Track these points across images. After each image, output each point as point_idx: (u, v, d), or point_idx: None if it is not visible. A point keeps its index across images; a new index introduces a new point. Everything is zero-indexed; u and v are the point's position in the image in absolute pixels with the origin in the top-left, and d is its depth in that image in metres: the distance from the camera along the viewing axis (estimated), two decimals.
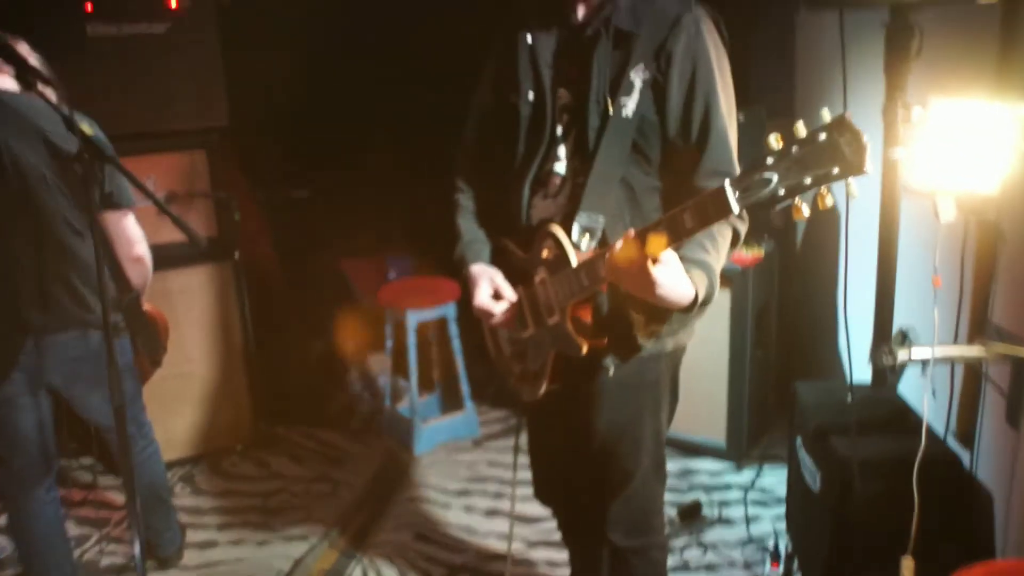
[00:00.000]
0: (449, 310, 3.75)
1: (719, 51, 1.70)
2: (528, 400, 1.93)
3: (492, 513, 3.23)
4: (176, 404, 3.70)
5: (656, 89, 1.67)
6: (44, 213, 2.29)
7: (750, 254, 3.39)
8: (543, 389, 1.86)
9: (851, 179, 1.21)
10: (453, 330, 3.76)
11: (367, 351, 4.38)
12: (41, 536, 2.48)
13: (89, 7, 3.28)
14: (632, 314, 1.72)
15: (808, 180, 1.22)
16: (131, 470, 1.97)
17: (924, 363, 2.11)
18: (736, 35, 3.95)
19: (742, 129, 3.29)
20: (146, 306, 2.64)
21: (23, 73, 1.97)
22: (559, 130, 1.77)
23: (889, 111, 1.96)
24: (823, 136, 1.20)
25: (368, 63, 4.16)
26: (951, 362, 2.18)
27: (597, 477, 1.95)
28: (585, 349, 1.72)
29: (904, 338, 2.53)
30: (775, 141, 1.26)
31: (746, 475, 3.38)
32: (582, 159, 1.73)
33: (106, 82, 3.36)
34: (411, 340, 3.70)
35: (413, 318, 3.68)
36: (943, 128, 1.95)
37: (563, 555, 2.55)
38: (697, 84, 1.65)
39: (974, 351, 2.04)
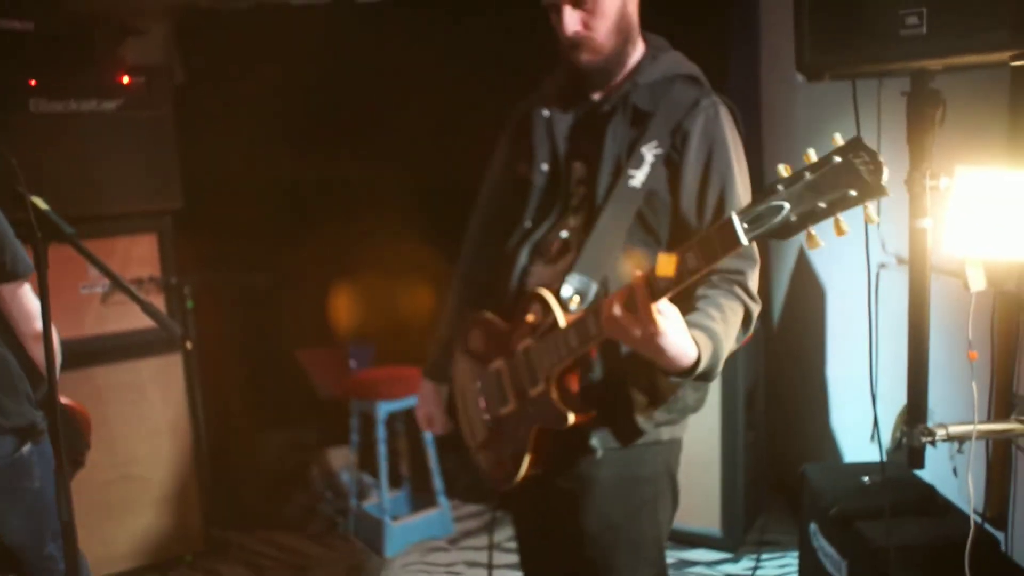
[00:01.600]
0: None
1: (735, 138, 1.68)
2: (503, 489, 1.77)
3: None
4: (118, 510, 3.35)
5: (670, 166, 1.64)
6: None
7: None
8: (521, 473, 1.69)
9: (869, 203, 1.16)
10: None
11: (327, 446, 4.09)
12: None
13: (32, 82, 3.06)
14: (630, 391, 1.63)
15: (823, 205, 1.15)
16: None
17: (960, 442, 1.99)
18: (708, 48, 3.85)
19: None
20: (64, 400, 2.34)
21: None
22: (574, 201, 1.73)
23: (915, 181, 1.90)
24: (837, 159, 1.15)
25: (330, 142, 4.02)
26: (986, 439, 2.08)
27: None
28: (572, 419, 1.58)
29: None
30: (784, 170, 1.20)
31: (745, 564, 3.20)
32: (588, 226, 1.67)
33: (50, 161, 3.12)
34: (381, 434, 3.45)
35: (384, 409, 3.44)
36: (969, 197, 1.89)
37: None
38: (713, 165, 1.63)
39: (1012, 426, 1.94)
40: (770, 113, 3.70)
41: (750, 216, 1.21)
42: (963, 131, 2.03)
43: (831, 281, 3.34)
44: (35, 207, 1.72)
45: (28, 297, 2.14)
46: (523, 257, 1.74)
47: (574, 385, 1.63)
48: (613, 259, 1.62)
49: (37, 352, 2.16)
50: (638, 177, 1.61)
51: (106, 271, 1.86)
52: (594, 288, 1.61)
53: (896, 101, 2.03)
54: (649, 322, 1.35)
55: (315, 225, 3.94)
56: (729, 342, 1.54)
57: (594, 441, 1.63)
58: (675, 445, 1.78)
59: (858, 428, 3.06)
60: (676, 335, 1.39)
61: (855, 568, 2.23)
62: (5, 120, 3.04)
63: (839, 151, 1.14)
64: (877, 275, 2.81)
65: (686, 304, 1.53)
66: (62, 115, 3.14)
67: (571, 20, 1.62)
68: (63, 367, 2.21)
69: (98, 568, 3.29)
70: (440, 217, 2.82)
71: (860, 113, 2.02)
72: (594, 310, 1.48)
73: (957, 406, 2.33)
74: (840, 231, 1.17)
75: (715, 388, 3.21)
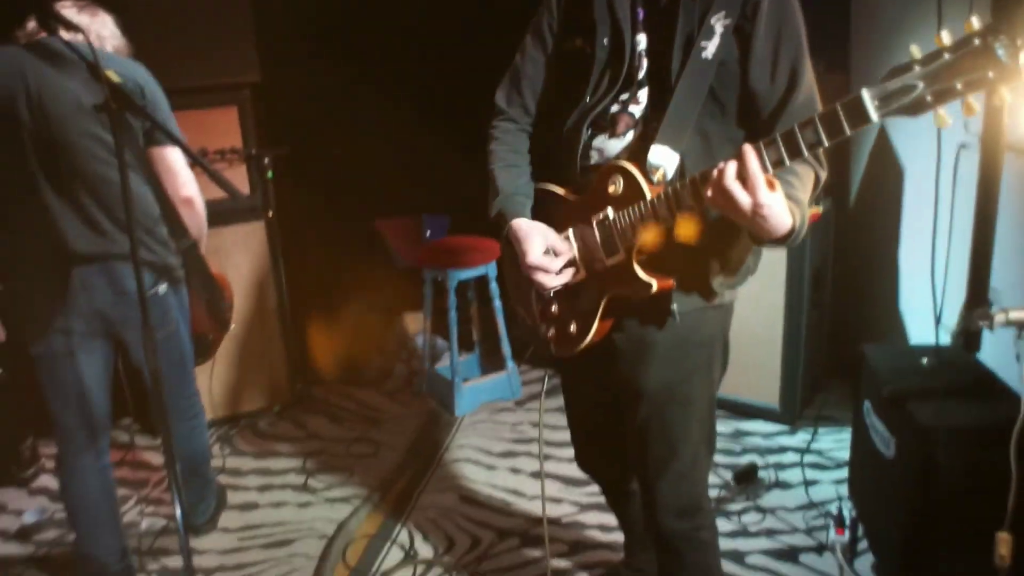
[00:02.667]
0: (491, 269, 3.64)
1: (801, 16, 1.62)
2: (565, 354, 1.81)
3: (539, 475, 3.15)
4: (210, 365, 3.62)
5: (740, 36, 1.59)
6: (84, 155, 2.18)
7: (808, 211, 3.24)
8: (587, 341, 1.74)
9: (988, 91, 1.16)
10: (494, 289, 3.65)
11: (404, 311, 4.28)
12: (94, 503, 2.42)
13: None
14: (706, 258, 1.66)
15: (959, 85, 1.17)
16: (169, 437, 1.89)
17: (1021, 328, 1.97)
18: None
19: None
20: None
21: (45, 18, 1.95)
22: (640, 74, 1.69)
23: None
24: (977, 41, 1.15)
25: (408, 17, 3.99)
26: None
27: (642, 448, 1.83)
28: (656, 287, 1.62)
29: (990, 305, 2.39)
30: (917, 52, 1.21)
31: (800, 437, 3.28)
32: (659, 101, 1.66)
33: (138, 38, 3.20)
34: (452, 301, 3.59)
35: (454, 278, 3.57)
36: None
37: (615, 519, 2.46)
38: (784, 39, 1.58)
39: None
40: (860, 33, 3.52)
41: (881, 93, 1.23)
42: None
43: (910, 161, 3.22)
44: (109, 81, 1.81)
45: (177, 161, 2.35)
46: (585, 133, 1.73)
47: (653, 258, 1.64)
48: (689, 132, 1.62)
49: (184, 215, 2.40)
50: (710, 48, 1.59)
51: (173, 137, 1.98)
52: (676, 161, 1.61)
53: None
54: (759, 193, 1.37)
55: (392, 97, 3.97)
56: (807, 207, 1.56)
57: (675, 306, 1.68)
58: (730, 308, 1.82)
59: (926, 311, 3.03)
60: (779, 205, 1.40)
61: (902, 446, 2.28)
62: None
63: (978, 33, 1.15)
64: (957, 155, 2.72)
65: None
66: None
67: None
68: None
69: None
70: None
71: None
72: (691, 182, 1.49)
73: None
74: (971, 111, 1.20)
75: (781, 265, 3.21)
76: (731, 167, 1.38)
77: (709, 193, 1.43)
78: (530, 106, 1.91)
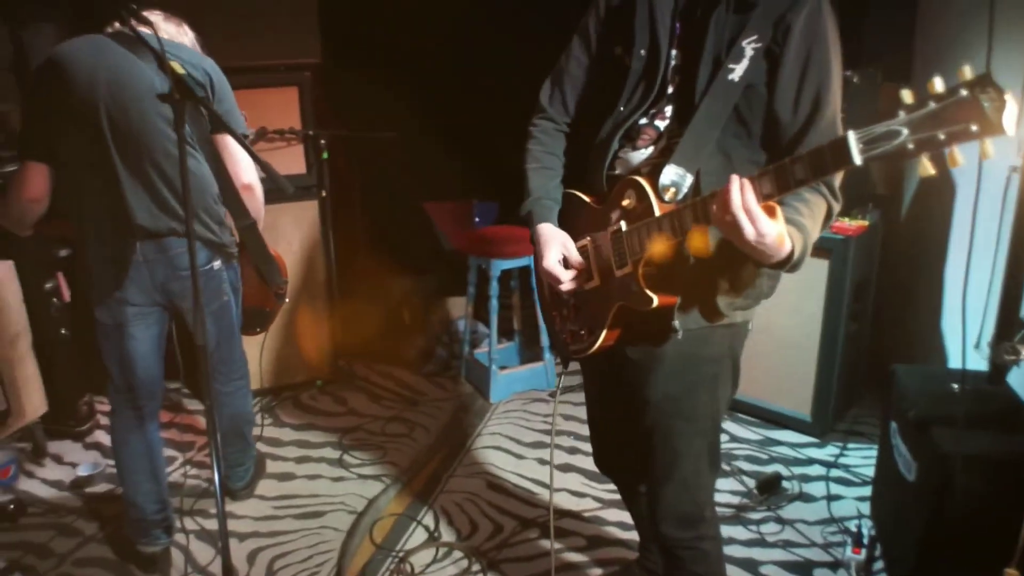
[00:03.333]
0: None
1: (835, 32, 1.64)
2: (577, 357, 1.90)
3: (566, 468, 3.22)
4: (259, 337, 3.76)
5: (770, 59, 1.62)
6: (154, 135, 2.30)
7: (853, 224, 3.22)
8: (597, 346, 1.81)
9: (988, 139, 1.15)
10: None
11: (447, 295, 4.36)
12: (137, 460, 2.57)
13: None
14: (713, 277, 1.70)
15: (942, 136, 1.16)
16: (213, 409, 2.00)
17: None
18: None
19: (855, 90, 3.15)
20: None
21: (117, 9, 2.02)
22: (670, 89, 1.73)
23: None
24: (964, 92, 1.14)
25: (465, 5, 4.04)
26: None
27: (647, 455, 1.89)
28: (656, 303, 1.67)
29: (1022, 331, 2.37)
30: (907, 96, 1.20)
31: (829, 450, 3.28)
32: (682, 118, 1.70)
33: (201, 16, 3.33)
34: (494, 289, 3.67)
35: (497, 267, 3.64)
36: None
37: None
38: (812, 62, 1.61)
39: None
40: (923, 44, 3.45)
41: (867, 136, 1.23)
42: None
43: (963, 179, 3.17)
44: (174, 72, 1.91)
45: (237, 148, 2.44)
46: (615, 143, 1.77)
47: (660, 270, 1.69)
48: (708, 152, 1.65)
49: (245, 197, 2.51)
50: (738, 71, 1.61)
51: (229, 129, 2.08)
52: (689, 180, 1.64)
53: None
54: (755, 222, 1.41)
55: (448, 83, 4.03)
56: (815, 235, 1.59)
57: (676, 323, 1.71)
58: (743, 328, 1.85)
59: (967, 332, 2.99)
60: (775, 233, 1.43)
61: (923, 471, 2.28)
62: None
63: (966, 85, 1.14)
64: (1008, 178, 2.67)
65: None
66: None
67: None
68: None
69: None
70: None
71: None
72: (694, 205, 1.52)
73: None
74: (954, 162, 1.18)
75: (823, 275, 3.20)
76: (734, 194, 1.41)
77: (717, 211, 1.46)
78: (571, 106, 1.96)
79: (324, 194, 3.72)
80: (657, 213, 1.62)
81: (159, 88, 2.26)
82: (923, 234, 3.47)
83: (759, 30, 1.60)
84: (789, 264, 1.50)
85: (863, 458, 3.20)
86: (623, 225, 1.69)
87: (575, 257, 1.80)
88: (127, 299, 2.42)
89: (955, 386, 2.47)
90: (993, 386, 2.38)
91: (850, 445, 3.31)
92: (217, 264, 2.51)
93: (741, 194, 1.41)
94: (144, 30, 2.03)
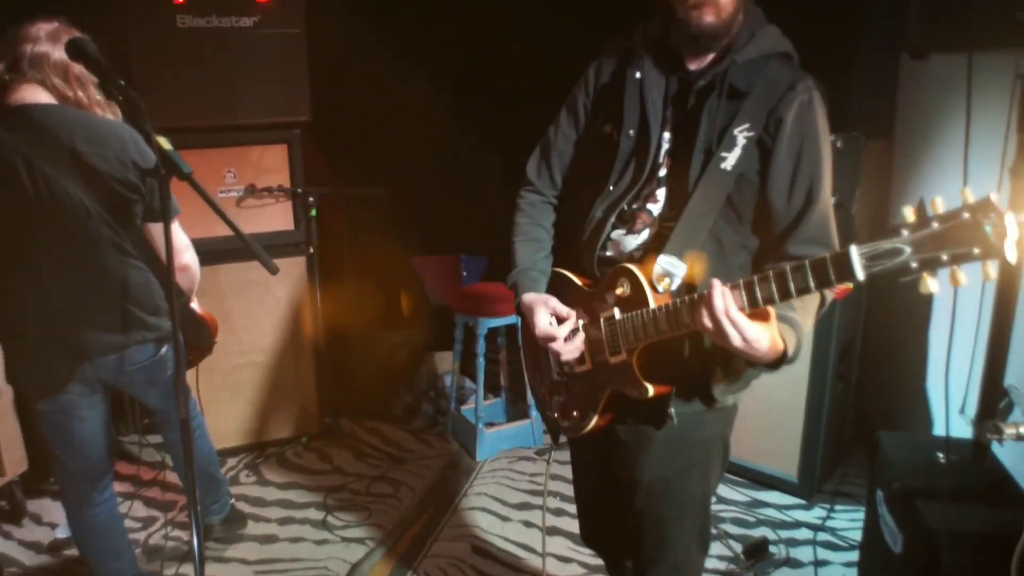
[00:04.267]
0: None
1: (825, 124, 1.67)
2: (569, 435, 1.89)
3: (552, 531, 3.19)
4: (246, 392, 3.76)
5: (762, 149, 1.64)
6: (86, 238, 2.18)
7: (839, 286, 3.22)
8: (588, 428, 1.80)
9: (990, 262, 1.18)
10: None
11: (435, 349, 4.35)
12: (99, 534, 2.51)
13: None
14: (709, 366, 1.69)
15: (945, 257, 1.18)
16: (193, 473, 1.96)
17: None
18: (837, 56, 3.78)
19: (839, 154, 3.19)
20: (199, 310, 2.65)
21: (107, 82, 1.88)
22: (662, 172, 1.74)
23: (1019, 173, 1.81)
24: (966, 215, 1.16)
25: (454, 62, 4.09)
26: None
27: (636, 537, 1.88)
28: (652, 393, 1.66)
29: (1007, 399, 2.37)
30: (909, 214, 1.22)
31: (816, 512, 3.26)
32: (675, 204, 1.70)
33: (192, 74, 3.38)
34: (480, 347, 3.66)
35: (484, 325, 3.64)
36: None
37: None
38: (804, 156, 1.63)
39: None
40: (905, 105, 3.51)
41: (870, 252, 1.24)
42: None
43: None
44: (159, 146, 1.88)
45: (177, 234, 2.33)
46: (609, 225, 1.76)
47: (655, 361, 1.68)
48: (701, 241, 1.65)
49: (179, 279, 2.40)
50: (730, 160, 1.62)
51: (212, 203, 2.02)
52: (682, 269, 1.64)
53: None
54: (741, 329, 1.41)
55: (437, 140, 4.07)
56: (808, 327, 1.59)
57: (672, 411, 1.70)
58: (733, 409, 1.85)
59: (952, 398, 3.00)
60: (766, 337, 1.44)
61: (908, 544, 2.27)
62: (155, 33, 3.30)
63: (969, 208, 1.16)
64: None
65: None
66: (205, 30, 3.36)
67: None
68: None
69: (227, 440, 3.75)
70: None
71: (975, 92, 1.93)
72: (689, 304, 1.52)
73: None
74: (956, 282, 1.20)
75: (808, 336, 3.19)
76: (718, 299, 1.42)
77: (693, 321, 1.47)
78: (558, 180, 1.96)
79: (312, 250, 3.72)
80: (652, 304, 1.62)
81: (80, 180, 2.11)
82: (907, 296, 3.49)
83: (751, 119, 1.62)
84: (782, 364, 1.50)
85: (850, 520, 3.19)
86: (617, 312, 1.68)
87: (563, 309, 1.77)
88: (70, 390, 2.31)
89: (940, 456, 2.47)
90: (977, 464, 2.37)
91: (837, 507, 3.29)
92: (164, 349, 2.42)
93: (723, 301, 1.42)
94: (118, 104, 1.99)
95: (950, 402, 2.40)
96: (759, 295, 1.41)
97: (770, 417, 3.32)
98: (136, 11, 3.27)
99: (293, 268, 3.75)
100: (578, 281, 1.83)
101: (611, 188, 1.77)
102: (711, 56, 1.69)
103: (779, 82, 1.64)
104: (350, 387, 4.19)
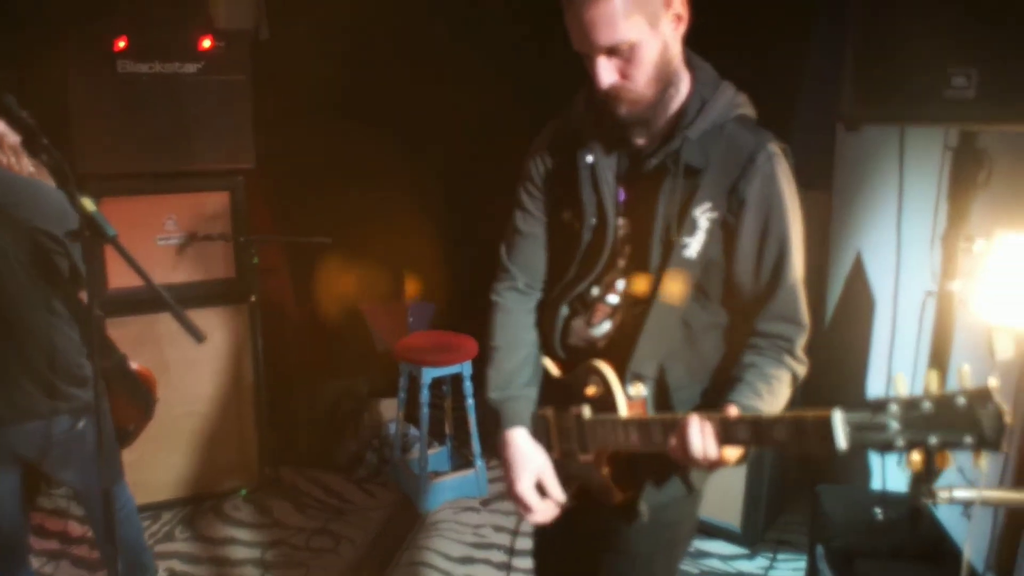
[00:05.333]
0: (465, 368, 3.66)
1: (791, 190, 1.56)
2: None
3: None
4: (183, 444, 3.65)
5: (726, 229, 1.55)
6: (12, 294, 2.11)
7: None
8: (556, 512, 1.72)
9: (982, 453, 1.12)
10: (468, 388, 3.68)
11: (379, 396, 4.29)
12: None
13: (120, 44, 3.22)
14: (676, 466, 1.59)
15: (934, 440, 1.11)
16: (115, 555, 1.88)
17: (966, 504, 2.00)
18: (775, 104, 3.88)
19: None
20: (133, 365, 2.56)
21: (32, 141, 1.85)
22: (620, 263, 1.65)
23: (949, 241, 1.87)
24: (962, 400, 1.10)
25: (399, 108, 4.10)
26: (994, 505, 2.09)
27: None
28: (619, 498, 1.61)
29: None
30: (901, 385, 1.17)
31: (759, 562, 3.28)
32: (638, 295, 1.61)
33: (132, 119, 3.31)
34: (424, 397, 3.62)
35: (428, 375, 3.60)
36: (1007, 262, 1.85)
37: None
38: (770, 232, 1.54)
39: (1022, 497, 1.94)
40: (843, 160, 3.62)
41: (855, 422, 1.16)
42: (1008, 192, 1.96)
43: (882, 296, 3.28)
44: (83, 209, 1.84)
45: None
46: (563, 310, 1.70)
47: (624, 464, 1.60)
48: (672, 336, 1.58)
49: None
50: (693, 246, 1.53)
51: (139, 270, 1.96)
52: (655, 369, 1.57)
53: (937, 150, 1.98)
54: (717, 462, 1.37)
55: (383, 187, 4.06)
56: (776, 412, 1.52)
57: (642, 507, 1.62)
58: (703, 489, 1.77)
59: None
60: (735, 456, 1.40)
61: None
62: (95, 80, 3.24)
63: (966, 393, 1.10)
64: (923, 302, 2.77)
65: (732, 368, 1.55)
66: (147, 76, 3.31)
67: (605, 72, 1.47)
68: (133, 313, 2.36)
69: (163, 492, 3.64)
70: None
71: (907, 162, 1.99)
72: (662, 426, 1.45)
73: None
74: (943, 464, 1.14)
75: None
76: (695, 438, 1.36)
77: (673, 449, 1.41)
78: (531, 265, 1.82)
79: (254, 299, 3.65)
80: (622, 411, 1.55)
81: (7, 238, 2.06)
82: (845, 344, 3.57)
83: (712, 198, 1.52)
84: (745, 462, 1.48)
85: (792, 570, 3.21)
86: (586, 411, 1.60)
87: (552, 486, 1.64)
88: None
89: (878, 511, 2.50)
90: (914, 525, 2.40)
91: (780, 555, 3.31)
92: (82, 423, 2.31)
93: (702, 442, 1.36)
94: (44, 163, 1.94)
95: (886, 458, 2.44)
96: (737, 437, 1.34)
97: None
98: (75, 58, 3.20)
99: (234, 316, 3.67)
100: (553, 369, 1.74)
101: (570, 277, 1.69)
102: (660, 128, 1.57)
103: (738, 153, 1.52)
104: (292, 436, 4.10)
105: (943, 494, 1.99)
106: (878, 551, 2.26)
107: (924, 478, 2.01)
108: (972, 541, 2.14)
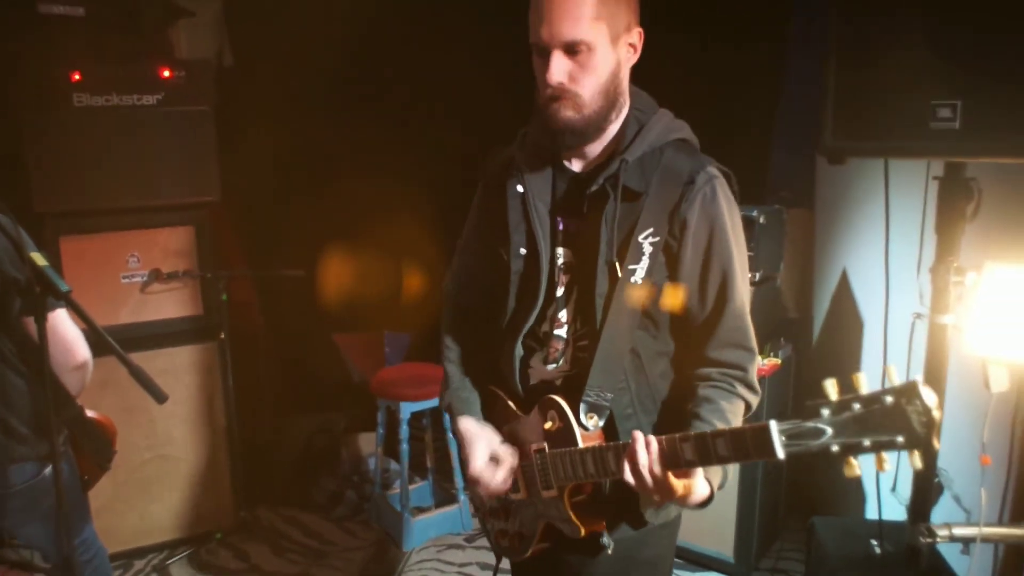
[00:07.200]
0: None
1: (733, 211, 1.55)
2: (509, 559, 1.79)
3: None
4: (155, 487, 3.52)
5: (668, 254, 1.54)
6: None
7: (767, 363, 3.20)
8: (528, 553, 1.71)
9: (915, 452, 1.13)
10: (448, 422, 3.56)
11: (357, 431, 4.17)
12: None
13: (76, 76, 3.11)
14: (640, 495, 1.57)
15: (867, 443, 1.12)
16: None
17: (966, 541, 1.92)
18: (756, 123, 3.81)
19: (762, 230, 3.18)
20: (91, 414, 2.43)
21: None
22: (559, 291, 1.62)
23: (939, 275, 1.80)
24: (889, 399, 1.10)
25: (366, 137, 4.00)
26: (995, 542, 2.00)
27: None
28: (583, 533, 1.57)
29: (936, 480, 2.34)
30: (832, 389, 1.16)
31: None
32: (586, 326, 1.58)
33: (91, 154, 3.19)
34: (404, 432, 3.50)
35: (407, 409, 3.49)
36: (998, 295, 1.78)
37: None
38: (713, 254, 1.53)
39: (1021, 533, 1.86)
40: (824, 180, 3.57)
41: (790, 430, 1.18)
42: (997, 223, 1.89)
43: (872, 317, 3.21)
44: (33, 264, 1.75)
45: (64, 327, 2.06)
46: (518, 349, 1.66)
47: (588, 495, 1.60)
48: (623, 364, 1.55)
49: (71, 380, 2.15)
50: (639, 272, 1.52)
51: (96, 329, 1.85)
52: (608, 398, 1.55)
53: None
54: (668, 489, 1.36)
55: (353, 216, 3.96)
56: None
57: (605, 540, 1.60)
58: (677, 523, 1.74)
59: (882, 478, 2.99)
60: (693, 487, 1.38)
61: None
62: (51, 114, 3.12)
63: (893, 392, 1.11)
64: (912, 323, 2.69)
65: (687, 397, 1.54)
66: (104, 109, 3.19)
67: (559, 68, 1.45)
68: (98, 355, 2.20)
69: (134, 539, 3.50)
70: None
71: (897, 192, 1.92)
72: (614, 451, 1.46)
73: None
74: (881, 467, 1.15)
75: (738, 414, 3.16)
76: (640, 453, 1.36)
77: (622, 470, 1.40)
78: (473, 295, 1.84)
79: (223, 336, 3.53)
80: (580, 443, 1.53)
81: None
82: (835, 365, 3.49)
83: (654, 223, 1.51)
84: (710, 502, 1.44)
85: None
86: (546, 447, 1.59)
87: (505, 454, 1.64)
88: None
89: (875, 543, 2.42)
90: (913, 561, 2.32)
91: None
92: (48, 471, 2.17)
93: (646, 456, 1.36)
94: None
95: (880, 485, 2.35)
96: (682, 457, 1.34)
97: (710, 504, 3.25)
98: (29, 91, 3.08)
99: (203, 355, 3.54)
100: (511, 404, 1.71)
101: (512, 311, 1.67)
102: (597, 153, 1.58)
103: (677, 176, 1.51)
104: (268, 476, 3.97)
105: (942, 532, 1.91)
106: None
107: (922, 516, 1.94)
108: (966, 568, 2.05)
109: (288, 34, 3.84)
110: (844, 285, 3.44)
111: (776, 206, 3.32)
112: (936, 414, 1.08)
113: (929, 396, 1.09)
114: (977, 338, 1.83)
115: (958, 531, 1.90)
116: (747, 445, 1.24)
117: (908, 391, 1.09)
